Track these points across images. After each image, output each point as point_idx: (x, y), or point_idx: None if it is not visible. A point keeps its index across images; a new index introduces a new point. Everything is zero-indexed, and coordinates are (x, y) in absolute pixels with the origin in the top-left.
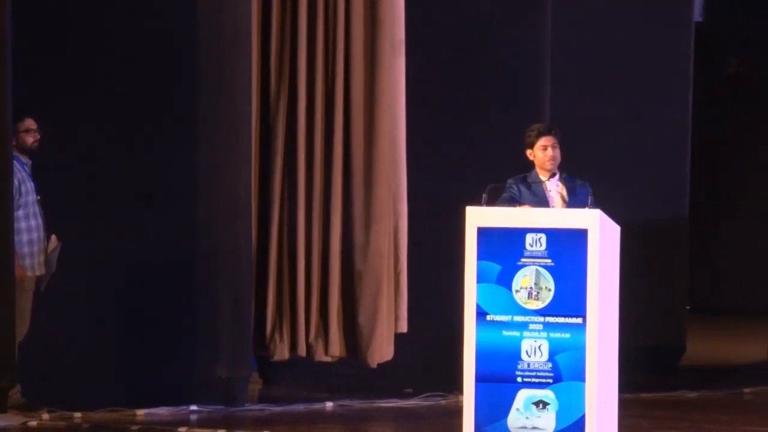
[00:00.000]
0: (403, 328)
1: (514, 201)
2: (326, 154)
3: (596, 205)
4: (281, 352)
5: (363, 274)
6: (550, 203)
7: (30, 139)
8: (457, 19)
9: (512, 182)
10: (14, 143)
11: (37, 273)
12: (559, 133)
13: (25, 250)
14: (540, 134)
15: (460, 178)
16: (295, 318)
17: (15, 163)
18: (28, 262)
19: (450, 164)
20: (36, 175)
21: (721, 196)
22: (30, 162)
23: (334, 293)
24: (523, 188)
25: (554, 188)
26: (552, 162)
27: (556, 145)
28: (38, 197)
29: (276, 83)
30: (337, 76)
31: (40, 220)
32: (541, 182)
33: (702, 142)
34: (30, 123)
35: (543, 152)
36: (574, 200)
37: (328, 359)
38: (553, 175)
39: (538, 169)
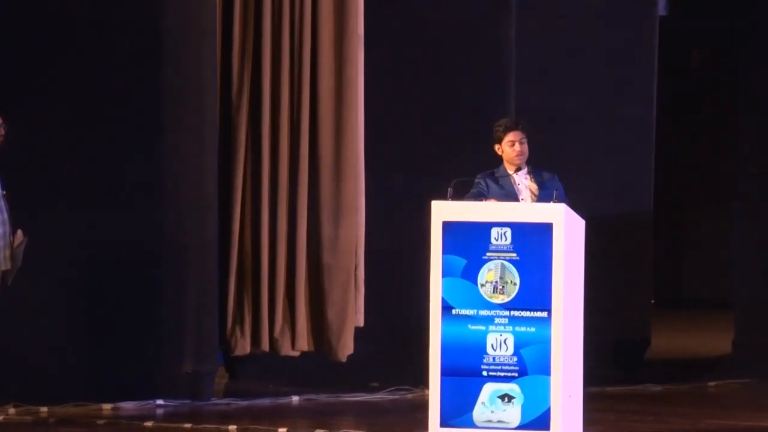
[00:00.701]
0: (360, 322)
1: (481, 196)
2: (292, 149)
3: (566, 196)
4: (242, 347)
5: (332, 268)
6: (519, 196)
7: None
8: (421, 13)
9: (480, 178)
10: None
11: (3, 268)
12: (526, 127)
13: None
14: (507, 129)
15: (424, 172)
16: (258, 313)
17: None
18: None
19: (414, 159)
20: (2, 171)
21: (685, 189)
22: None
23: (301, 287)
24: (491, 183)
25: (523, 181)
26: (520, 157)
27: (524, 140)
28: (4, 192)
29: (238, 76)
30: (304, 70)
31: (5, 215)
32: (508, 176)
33: (666, 135)
34: None
35: (511, 147)
36: (544, 193)
37: (294, 353)
38: (518, 169)
39: (506, 164)
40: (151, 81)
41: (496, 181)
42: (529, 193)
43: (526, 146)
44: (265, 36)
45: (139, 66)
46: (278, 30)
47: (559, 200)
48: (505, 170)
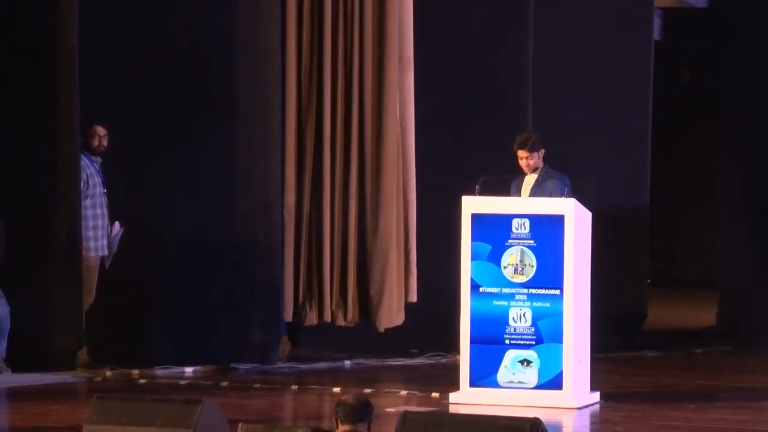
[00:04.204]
0: (413, 298)
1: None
2: (345, 152)
3: (573, 194)
4: (311, 318)
5: (373, 253)
6: (522, 193)
7: (94, 143)
8: (456, 38)
9: (513, 179)
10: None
11: (100, 254)
12: (537, 140)
13: (90, 233)
14: (517, 147)
15: (458, 172)
16: (321, 290)
17: (85, 160)
18: (92, 244)
19: (450, 161)
20: (104, 173)
21: (676, 186)
22: (100, 160)
23: (351, 269)
24: (513, 182)
25: (531, 181)
26: (527, 168)
27: (531, 156)
28: (105, 191)
29: (307, 92)
30: (353, 87)
31: (105, 210)
32: (524, 176)
33: (660, 141)
34: (97, 129)
35: (520, 161)
36: (538, 191)
37: (348, 324)
38: (535, 170)
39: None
40: (227, 96)
41: (519, 180)
42: (527, 191)
43: (533, 159)
44: (326, 60)
45: (218, 84)
46: (335, 53)
47: (567, 197)
48: (524, 171)
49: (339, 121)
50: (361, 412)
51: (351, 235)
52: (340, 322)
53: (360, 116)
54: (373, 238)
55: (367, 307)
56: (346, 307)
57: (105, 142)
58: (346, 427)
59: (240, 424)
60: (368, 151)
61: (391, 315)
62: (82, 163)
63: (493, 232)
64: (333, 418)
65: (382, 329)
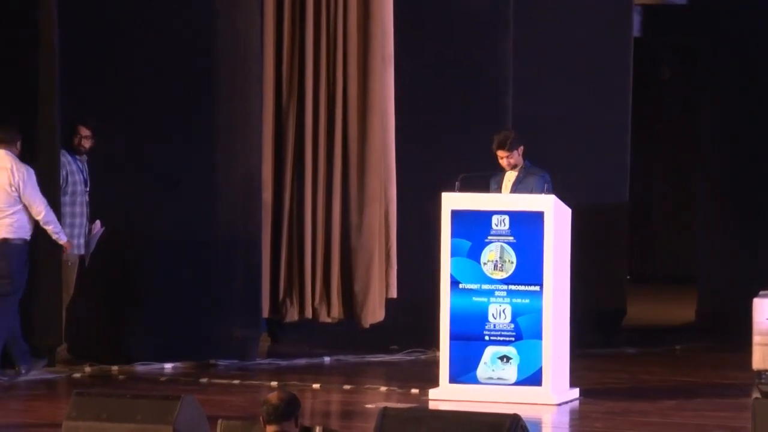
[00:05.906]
0: (393, 294)
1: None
2: (328, 149)
3: (553, 191)
4: (291, 314)
5: (357, 249)
6: (503, 190)
7: (75, 141)
8: (436, 36)
9: (492, 175)
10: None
11: (77, 253)
12: (515, 139)
13: (66, 231)
14: (496, 148)
15: (438, 169)
16: (303, 286)
17: (67, 157)
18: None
19: (430, 158)
20: (90, 171)
21: (655, 182)
22: (86, 158)
23: (335, 265)
24: (493, 180)
25: (512, 178)
26: (508, 167)
27: (511, 155)
28: (87, 190)
29: (287, 90)
30: (337, 84)
31: (84, 208)
32: (504, 173)
33: (640, 137)
34: (80, 129)
35: (500, 161)
36: (519, 187)
37: (330, 321)
38: (515, 167)
39: None
40: (208, 94)
41: (498, 176)
42: (508, 186)
43: (513, 158)
44: (308, 57)
45: (198, 83)
46: (318, 52)
47: (547, 193)
48: (506, 170)
49: (322, 118)
50: (286, 410)
51: (335, 231)
52: (324, 318)
53: (344, 114)
54: (357, 234)
55: (352, 303)
56: (330, 304)
57: (87, 144)
58: (273, 428)
59: (219, 421)
60: (352, 148)
61: (374, 311)
62: (63, 160)
63: (473, 228)
64: (260, 418)
65: (366, 325)
